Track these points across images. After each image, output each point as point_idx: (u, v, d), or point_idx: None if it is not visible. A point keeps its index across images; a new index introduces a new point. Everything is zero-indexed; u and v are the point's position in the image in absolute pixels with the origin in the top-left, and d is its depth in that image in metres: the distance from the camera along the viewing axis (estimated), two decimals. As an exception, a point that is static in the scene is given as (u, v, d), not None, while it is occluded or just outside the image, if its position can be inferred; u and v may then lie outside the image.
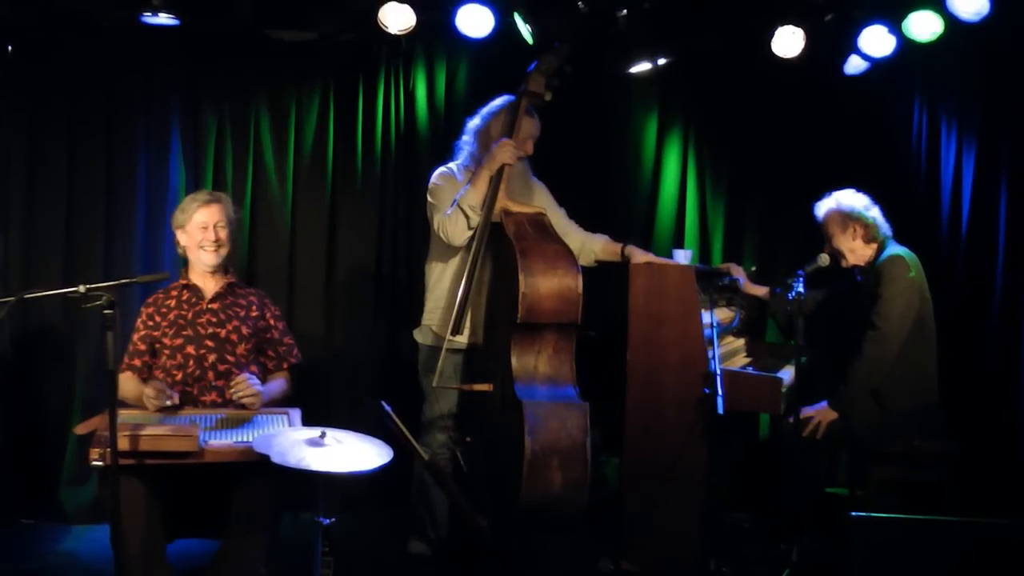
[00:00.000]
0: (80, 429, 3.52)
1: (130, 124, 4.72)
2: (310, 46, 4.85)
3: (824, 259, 4.10)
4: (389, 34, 4.41)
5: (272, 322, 3.85)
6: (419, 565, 4.15)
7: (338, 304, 5.07)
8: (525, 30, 4.40)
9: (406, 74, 5.09)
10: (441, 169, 4.08)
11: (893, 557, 3.07)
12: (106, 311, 2.85)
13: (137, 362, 3.68)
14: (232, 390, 3.49)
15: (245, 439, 3.21)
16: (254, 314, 3.78)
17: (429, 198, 4.00)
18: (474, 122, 4.09)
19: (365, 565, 4.15)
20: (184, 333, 3.65)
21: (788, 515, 4.12)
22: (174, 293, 3.75)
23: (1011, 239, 4.13)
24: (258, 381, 3.59)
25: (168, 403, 3.40)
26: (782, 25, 4.43)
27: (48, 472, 4.63)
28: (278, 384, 3.78)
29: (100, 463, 2.98)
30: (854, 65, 4.69)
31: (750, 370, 4.19)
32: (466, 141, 4.11)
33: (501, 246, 3.74)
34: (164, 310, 3.71)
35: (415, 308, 4.91)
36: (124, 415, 3.32)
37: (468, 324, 3.95)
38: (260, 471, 3.12)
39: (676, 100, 5.28)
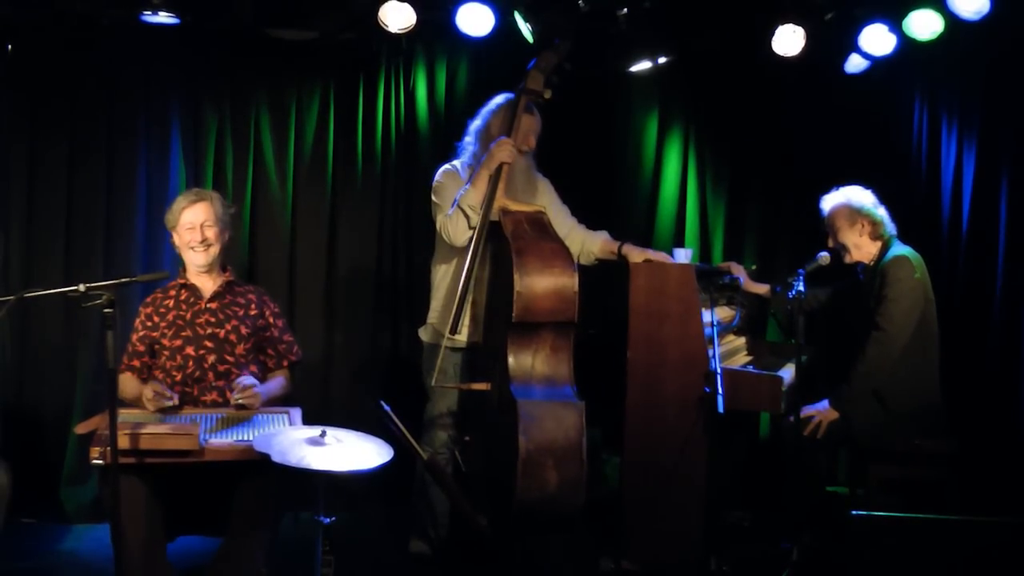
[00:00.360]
0: (80, 428, 3.51)
1: (130, 123, 4.72)
2: (310, 45, 4.85)
3: (825, 258, 4.10)
4: (389, 33, 4.42)
5: (271, 320, 3.84)
6: (420, 564, 4.14)
7: (338, 303, 5.07)
8: (525, 29, 4.40)
9: (406, 73, 5.10)
10: (445, 167, 4.08)
11: (894, 556, 3.07)
12: (106, 310, 2.85)
13: (136, 363, 3.68)
14: (236, 398, 3.48)
15: (245, 438, 3.21)
16: (253, 313, 3.78)
17: (433, 197, 4.00)
18: (476, 123, 4.09)
19: (366, 564, 4.15)
20: (183, 334, 3.65)
21: (789, 514, 4.12)
22: (172, 293, 3.74)
23: (1011, 238, 4.13)
24: (257, 382, 3.58)
25: (167, 403, 3.40)
26: (782, 24, 4.43)
27: (49, 471, 4.63)
28: (277, 382, 3.77)
29: (100, 462, 2.98)
30: (854, 64, 4.69)
31: (751, 369, 4.19)
32: (468, 141, 4.11)
33: (499, 245, 3.73)
34: (162, 310, 3.71)
35: (415, 307, 4.94)
36: (124, 414, 3.33)
37: (467, 323, 3.95)
38: (261, 470, 3.11)
39: (677, 99, 5.29)
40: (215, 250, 3.71)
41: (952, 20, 4.14)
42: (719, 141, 5.25)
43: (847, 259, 4.19)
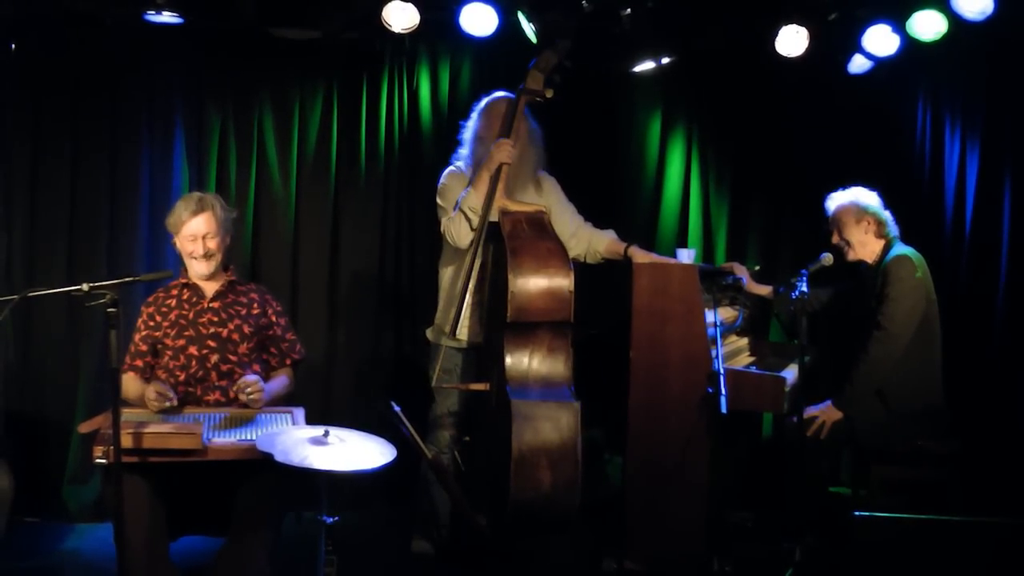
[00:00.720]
0: (83, 427, 3.51)
1: (133, 122, 4.72)
2: (314, 44, 4.85)
3: (828, 258, 4.11)
4: (393, 33, 4.41)
5: (274, 319, 3.83)
6: (422, 564, 4.15)
7: (341, 303, 5.07)
8: (529, 29, 4.40)
9: (410, 73, 5.09)
10: (450, 168, 4.09)
11: (896, 557, 3.06)
12: (109, 309, 2.85)
13: (139, 363, 3.68)
14: (243, 396, 3.48)
15: (248, 437, 3.21)
16: (255, 312, 3.78)
17: (438, 199, 4.02)
18: (470, 122, 4.11)
19: (368, 564, 4.15)
20: (186, 334, 3.65)
21: (791, 514, 4.12)
22: (174, 292, 3.74)
23: (1015, 239, 4.13)
24: (261, 379, 3.59)
25: (168, 404, 3.40)
26: (786, 24, 4.42)
27: (52, 471, 4.64)
28: (280, 381, 3.77)
29: (103, 461, 2.99)
30: (858, 64, 4.68)
31: (753, 369, 4.19)
32: (466, 138, 4.13)
33: (498, 245, 3.74)
34: (165, 309, 3.70)
35: (418, 306, 4.95)
36: (128, 413, 3.33)
37: (470, 324, 3.96)
38: (263, 470, 3.12)
39: (680, 99, 5.28)
40: (217, 259, 3.70)
41: (955, 20, 4.14)
42: (722, 141, 5.25)
43: (850, 256, 4.19)
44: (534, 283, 3.55)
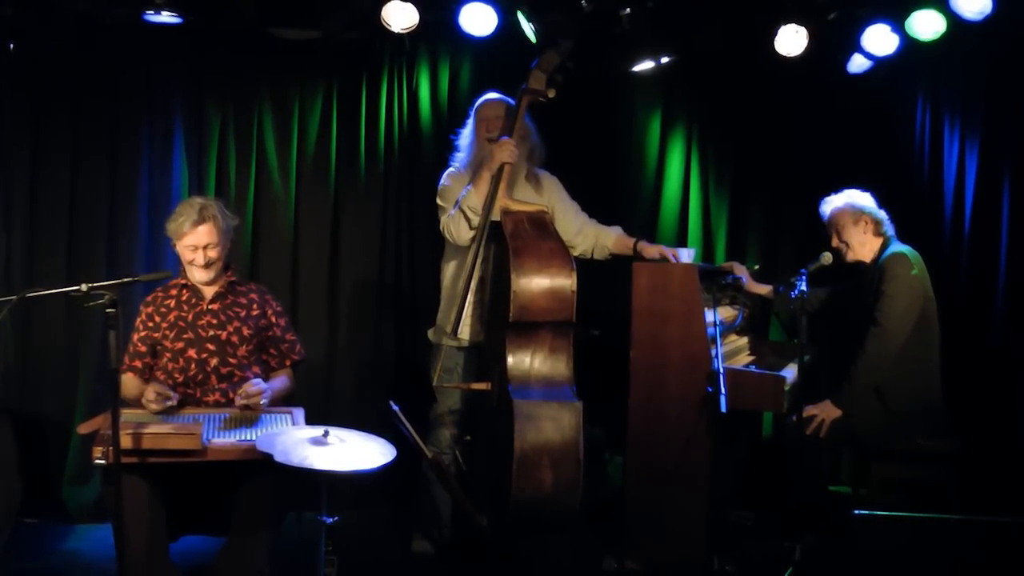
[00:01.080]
0: (83, 428, 3.51)
1: (133, 123, 4.72)
2: (313, 45, 4.84)
3: (827, 257, 4.11)
4: (392, 33, 4.41)
5: (273, 319, 3.83)
6: (423, 564, 4.15)
7: (341, 303, 5.07)
8: (528, 29, 4.40)
9: (409, 73, 5.09)
10: (450, 169, 4.11)
11: (896, 555, 3.07)
12: (108, 310, 2.85)
13: (138, 363, 3.67)
14: (243, 400, 3.48)
15: (248, 438, 3.22)
16: (255, 313, 3.77)
17: (438, 200, 4.03)
18: (467, 127, 4.13)
19: (368, 564, 4.15)
20: (185, 336, 3.64)
21: (791, 513, 4.12)
22: (173, 292, 3.73)
23: (1014, 238, 4.13)
24: (265, 387, 3.57)
25: (168, 404, 3.40)
26: (785, 24, 4.42)
27: (51, 471, 4.63)
28: (280, 382, 3.78)
29: (103, 462, 2.99)
30: (857, 64, 4.68)
31: (753, 368, 4.19)
32: (464, 134, 4.15)
33: (500, 245, 3.74)
34: (163, 310, 3.70)
35: (419, 306, 4.95)
36: (127, 414, 3.33)
37: (472, 323, 3.96)
38: (263, 470, 3.12)
39: (679, 99, 5.29)
40: (217, 267, 3.69)
41: (955, 20, 4.14)
42: (722, 141, 5.25)
43: (849, 257, 4.20)
44: (536, 283, 3.55)
